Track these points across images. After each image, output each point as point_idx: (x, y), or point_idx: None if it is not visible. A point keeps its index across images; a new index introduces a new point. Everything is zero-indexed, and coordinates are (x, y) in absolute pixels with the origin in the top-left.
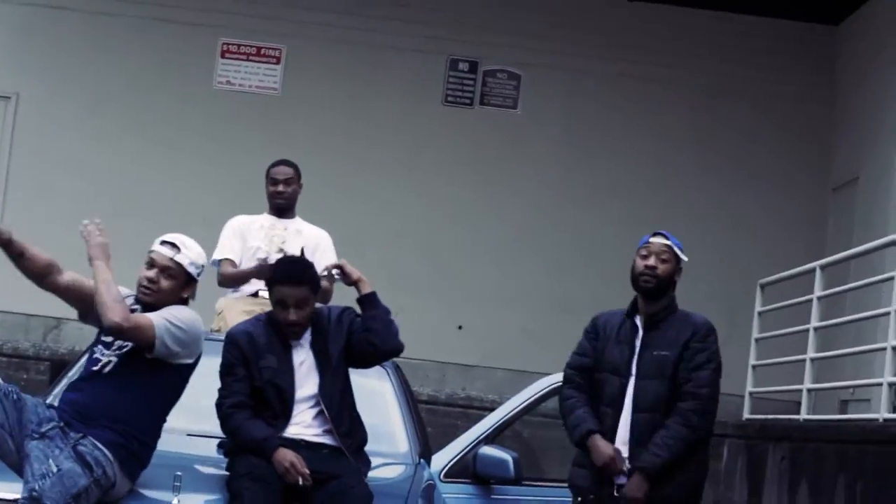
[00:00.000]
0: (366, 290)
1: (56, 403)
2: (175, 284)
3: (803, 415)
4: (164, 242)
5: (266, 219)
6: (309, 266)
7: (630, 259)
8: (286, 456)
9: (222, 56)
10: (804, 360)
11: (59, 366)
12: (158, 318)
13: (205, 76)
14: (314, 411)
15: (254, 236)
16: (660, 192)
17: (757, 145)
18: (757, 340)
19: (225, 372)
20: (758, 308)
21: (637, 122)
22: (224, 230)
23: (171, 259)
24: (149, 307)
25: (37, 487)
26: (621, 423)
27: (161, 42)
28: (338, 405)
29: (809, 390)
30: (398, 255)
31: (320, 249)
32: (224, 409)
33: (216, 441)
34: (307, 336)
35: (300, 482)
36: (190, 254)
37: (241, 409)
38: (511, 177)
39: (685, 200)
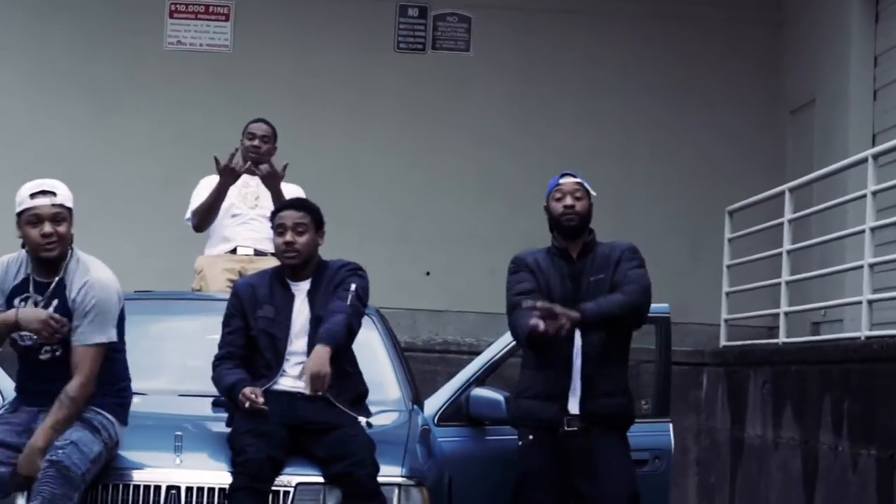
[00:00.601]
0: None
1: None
2: (68, 227)
3: (782, 338)
4: (35, 195)
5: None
6: (314, 205)
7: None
8: (245, 393)
9: (171, 16)
10: (778, 284)
11: None
12: (92, 354)
13: (155, 37)
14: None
15: (228, 193)
16: (616, 124)
17: (710, 70)
18: (729, 267)
19: (223, 324)
20: (727, 235)
21: (589, 56)
22: (199, 185)
23: (54, 205)
24: (53, 260)
25: (58, 454)
26: (575, 351)
27: (108, 5)
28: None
29: (787, 313)
30: (360, 205)
31: None
32: (213, 362)
33: (209, 399)
34: (307, 286)
35: (247, 405)
36: (65, 192)
37: (226, 360)
38: (467, 119)
39: (642, 131)
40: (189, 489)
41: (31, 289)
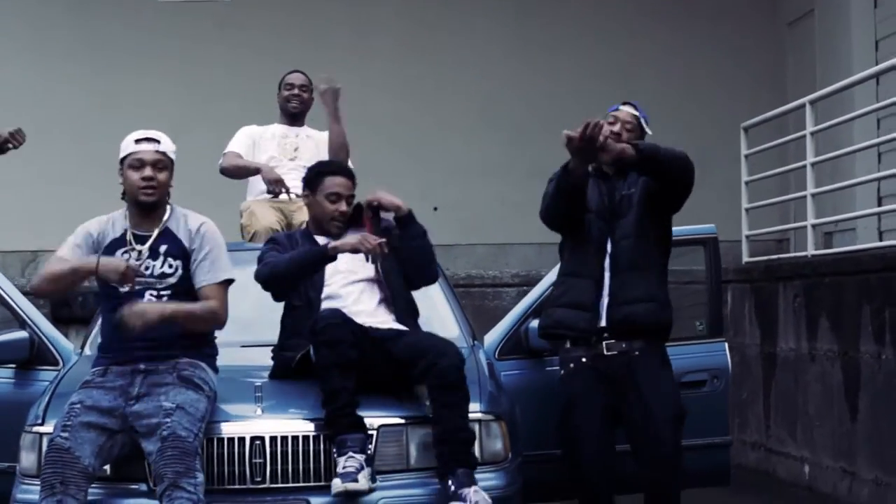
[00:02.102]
0: (403, 211)
1: (107, 343)
2: (169, 175)
3: (810, 251)
4: (140, 140)
5: (277, 128)
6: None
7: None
8: (346, 240)
9: None
10: (802, 197)
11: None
12: (222, 292)
13: None
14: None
15: (266, 146)
16: (615, 45)
17: None
18: (747, 183)
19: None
20: (744, 151)
21: None
22: (236, 135)
23: (157, 152)
24: (150, 206)
25: (168, 427)
26: (607, 261)
27: None
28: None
29: (814, 226)
30: (363, 145)
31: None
32: (264, 262)
33: (269, 349)
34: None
35: (377, 251)
36: (168, 142)
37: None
38: (467, 50)
39: (643, 51)
40: (273, 438)
41: (129, 241)
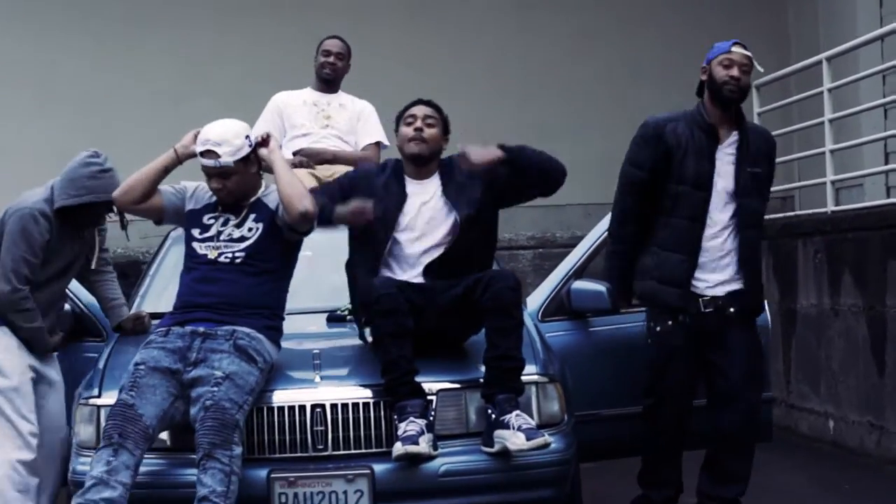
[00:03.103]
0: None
1: (176, 306)
2: (243, 174)
3: (830, 207)
4: (202, 154)
5: (309, 94)
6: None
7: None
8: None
9: None
10: (814, 155)
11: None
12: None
13: None
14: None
15: (297, 113)
16: (614, 6)
17: None
18: None
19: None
20: (756, 109)
21: None
22: (268, 106)
23: (218, 165)
24: (232, 206)
25: (212, 397)
26: (708, 239)
27: None
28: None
29: (833, 182)
30: None
31: (363, 119)
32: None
33: (322, 315)
34: (429, 185)
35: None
36: (231, 146)
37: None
38: (466, 12)
39: (641, 11)
40: (333, 406)
41: (219, 207)
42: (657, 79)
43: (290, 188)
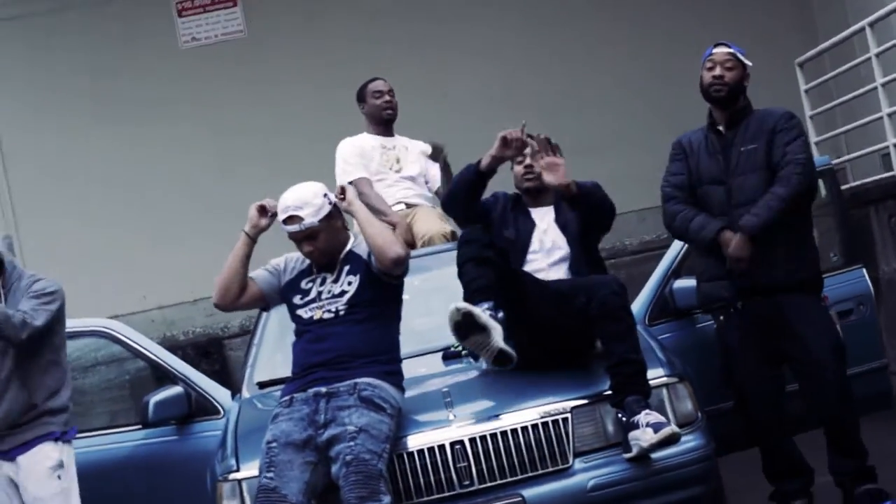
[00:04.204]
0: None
1: (294, 373)
2: (329, 231)
3: None
4: (285, 222)
5: (372, 139)
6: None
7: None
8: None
9: (180, 15)
10: (868, 124)
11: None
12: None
13: (169, 40)
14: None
15: (372, 157)
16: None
17: None
18: (811, 118)
19: None
20: (803, 87)
21: None
22: (342, 153)
23: (303, 229)
24: (326, 265)
25: (351, 451)
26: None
27: (115, 22)
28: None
29: (895, 145)
30: None
31: (430, 162)
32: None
33: (437, 355)
34: (550, 211)
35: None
36: (311, 206)
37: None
38: (475, 35)
39: (655, 4)
40: (472, 440)
41: (313, 269)
42: (691, 87)
43: (378, 238)
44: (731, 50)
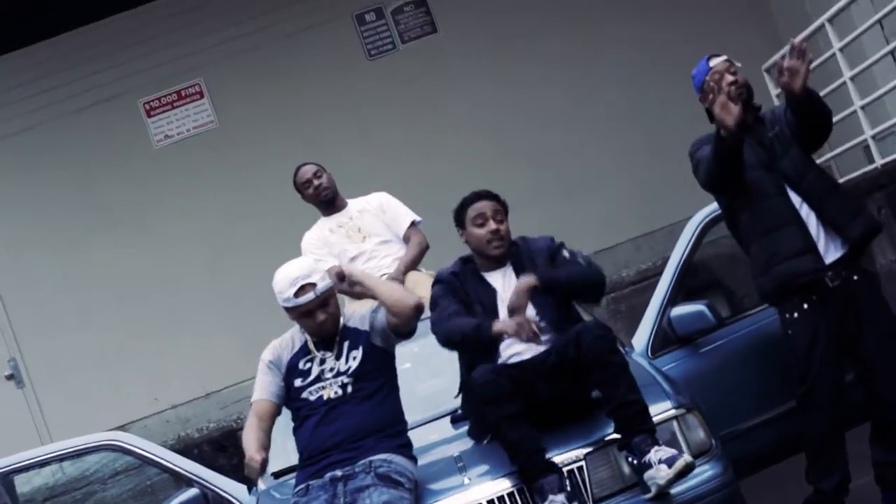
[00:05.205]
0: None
1: (304, 458)
2: (334, 301)
3: (879, 161)
4: (297, 294)
5: (328, 221)
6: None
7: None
8: (507, 322)
9: (148, 115)
10: (855, 112)
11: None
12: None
13: (143, 141)
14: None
15: (333, 241)
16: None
17: None
18: None
19: (437, 305)
20: (773, 91)
21: None
22: (306, 248)
23: (319, 295)
24: (325, 343)
25: None
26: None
27: (88, 131)
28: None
29: (874, 136)
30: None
31: (387, 210)
32: (439, 319)
33: (446, 419)
34: (505, 272)
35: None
36: (318, 272)
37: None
38: (455, 101)
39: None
40: (490, 502)
41: (312, 349)
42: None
43: (393, 293)
44: (724, 56)
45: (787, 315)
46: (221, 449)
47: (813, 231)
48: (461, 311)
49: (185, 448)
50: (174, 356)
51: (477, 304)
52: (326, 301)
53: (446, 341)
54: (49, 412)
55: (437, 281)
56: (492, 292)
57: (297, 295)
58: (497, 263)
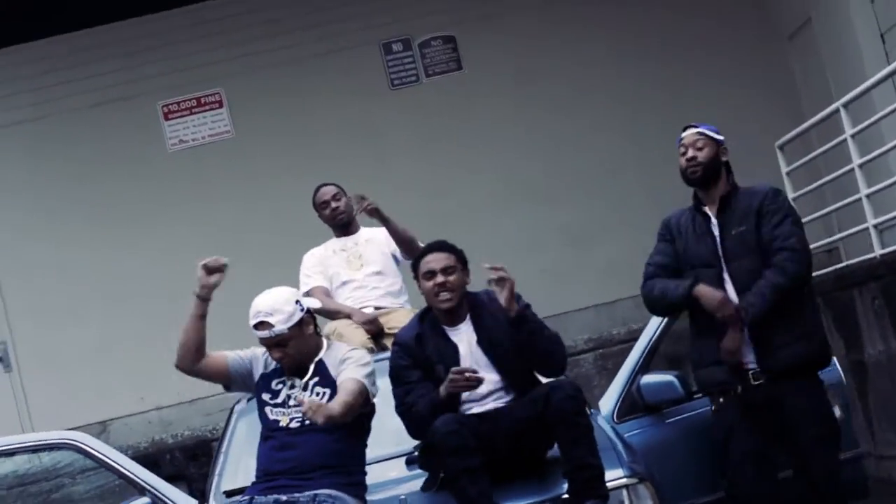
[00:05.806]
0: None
1: (257, 476)
2: (300, 338)
3: (878, 251)
4: (255, 327)
5: (335, 243)
6: (455, 246)
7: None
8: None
9: (166, 118)
10: (851, 203)
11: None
12: (356, 384)
13: (157, 145)
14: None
15: (332, 264)
16: (614, 96)
17: (698, 17)
18: (794, 199)
19: (399, 380)
20: (784, 169)
21: (575, 38)
22: (303, 265)
23: (273, 336)
24: (295, 367)
25: None
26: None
27: (102, 126)
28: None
29: (876, 226)
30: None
31: (390, 242)
32: (406, 401)
33: (401, 459)
34: (470, 329)
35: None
36: (282, 314)
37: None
38: (476, 134)
39: (648, 98)
40: None
41: (285, 374)
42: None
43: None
44: (700, 129)
45: (714, 400)
46: (193, 458)
47: (745, 334)
48: (421, 380)
49: (157, 452)
50: (165, 359)
51: (439, 365)
52: (284, 342)
53: (411, 425)
54: (33, 399)
55: (396, 343)
56: (454, 350)
57: (256, 327)
58: (455, 317)
